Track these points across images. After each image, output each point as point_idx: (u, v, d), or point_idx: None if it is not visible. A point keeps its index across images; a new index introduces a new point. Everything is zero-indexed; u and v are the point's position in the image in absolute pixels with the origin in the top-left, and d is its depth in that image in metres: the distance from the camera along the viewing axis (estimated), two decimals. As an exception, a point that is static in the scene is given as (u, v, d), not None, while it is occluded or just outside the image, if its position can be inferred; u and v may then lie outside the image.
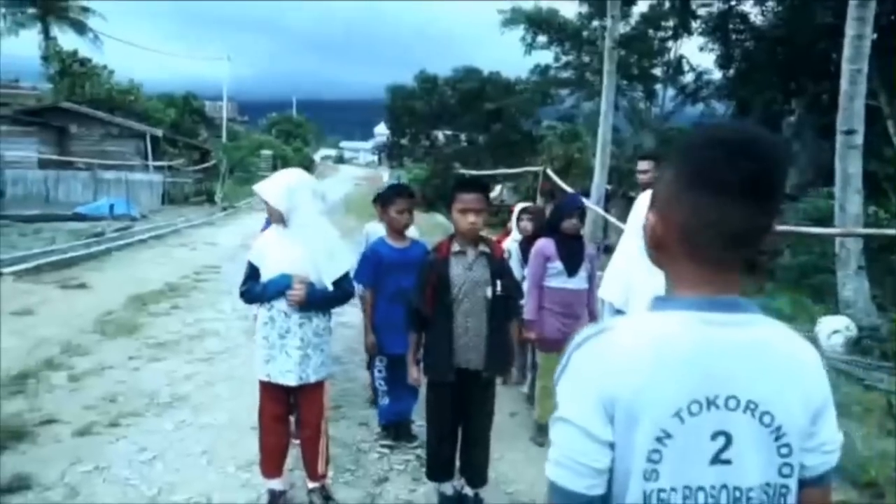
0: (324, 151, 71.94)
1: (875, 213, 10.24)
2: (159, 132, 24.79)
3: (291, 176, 3.04)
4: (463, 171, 17.37)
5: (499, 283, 3.01)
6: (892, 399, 4.72)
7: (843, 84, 6.21)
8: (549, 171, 11.18)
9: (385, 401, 4.04)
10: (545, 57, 26.86)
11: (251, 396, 4.80)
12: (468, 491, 3.17)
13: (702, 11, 21.55)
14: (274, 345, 2.98)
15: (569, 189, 10.17)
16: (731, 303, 0.98)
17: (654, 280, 3.19)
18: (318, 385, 3.10)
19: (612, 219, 10.37)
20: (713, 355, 0.95)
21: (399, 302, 3.50)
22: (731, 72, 19.19)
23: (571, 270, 3.91)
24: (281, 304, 2.97)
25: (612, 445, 0.95)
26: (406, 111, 28.91)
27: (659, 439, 0.93)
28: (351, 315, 7.54)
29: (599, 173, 13.09)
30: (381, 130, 42.93)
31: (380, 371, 4.02)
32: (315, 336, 3.03)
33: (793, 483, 0.98)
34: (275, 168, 41.75)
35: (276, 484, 3.17)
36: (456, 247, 3.02)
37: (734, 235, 0.96)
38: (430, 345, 3.05)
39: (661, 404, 0.93)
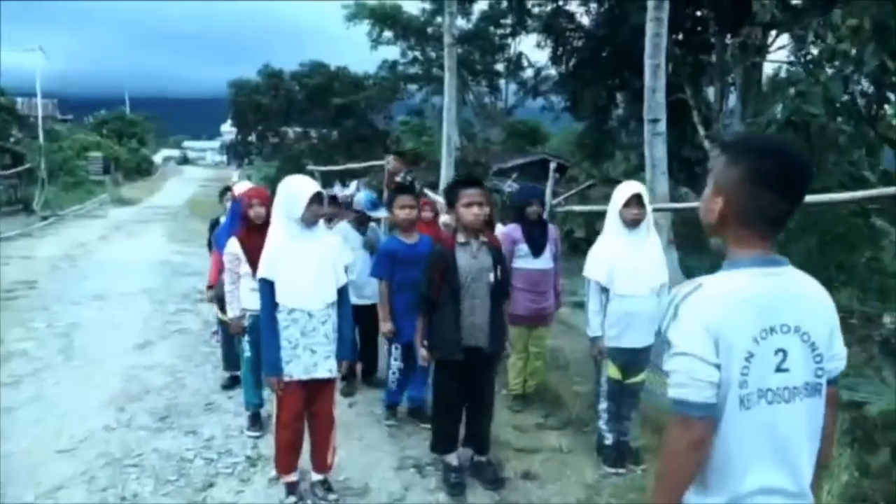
0: (166, 152, 66.70)
1: (686, 194, 11.47)
2: (-43, 134, 21.60)
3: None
4: (313, 167, 16.95)
5: (498, 268, 3.32)
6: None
7: (647, 79, 7.00)
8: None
9: (394, 385, 4.23)
10: (392, 52, 27.10)
11: (60, 418, 4.40)
12: (480, 458, 3.46)
13: (536, 10, 22.84)
14: (297, 344, 3.05)
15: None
16: (776, 260, 1.40)
17: (633, 260, 3.46)
18: (334, 380, 3.27)
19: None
20: (771, 297, 1.36)
21: (408, 292, 3.80)
22: (563, 68, 20.51)
23: (536, 252, 4.28)
24: (303, 304, 3.03)
25: (719, 366, 1.32)
26: (251, 107, 27.64)
27: (746, 358, 1.33)
28: (189, 321, 7.12)
29: (446, 166, 13.47)
30: (228, 128, 40.66)
31: (395, 359, 4.20)
32: (334, 332, 3.16)
33: (823, 381, 1.42)
34: (106, 171, 37.97)
35: (292, 477, 3.28)
36: (461, 238, 3.31)
37: (778, 218, 1.39)
38: (439, 326, 3.30)
39: (746, 333, 1.33)
